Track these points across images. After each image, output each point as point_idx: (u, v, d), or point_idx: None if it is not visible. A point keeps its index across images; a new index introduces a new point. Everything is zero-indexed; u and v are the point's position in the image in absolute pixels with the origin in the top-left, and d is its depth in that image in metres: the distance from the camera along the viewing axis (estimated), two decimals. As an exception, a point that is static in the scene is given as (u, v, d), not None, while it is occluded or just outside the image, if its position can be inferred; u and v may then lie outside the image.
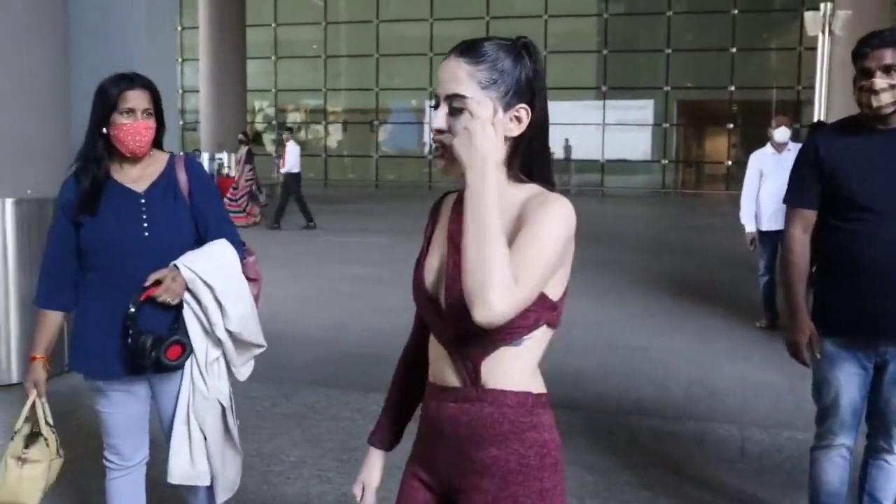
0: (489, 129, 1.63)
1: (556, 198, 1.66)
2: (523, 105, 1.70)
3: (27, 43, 5.88)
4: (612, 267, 10.91)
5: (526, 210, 1.67)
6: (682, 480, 4.20)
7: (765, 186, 7.26)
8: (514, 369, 1.72)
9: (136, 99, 2.88)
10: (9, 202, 5.80)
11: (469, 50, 1.69)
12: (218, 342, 2.95)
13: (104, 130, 2.87)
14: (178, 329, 2.88)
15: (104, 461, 3.07)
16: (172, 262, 2.85)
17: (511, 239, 1.61)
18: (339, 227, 16.05)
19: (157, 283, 2.79)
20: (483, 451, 1.75)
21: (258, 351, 3.09)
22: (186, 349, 2.87)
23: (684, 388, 5.74)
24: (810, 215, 3.14)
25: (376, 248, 12.61)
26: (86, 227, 2.87)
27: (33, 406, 2.96)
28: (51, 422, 2.99)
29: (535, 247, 1.60)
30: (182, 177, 3.02)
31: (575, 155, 26.87)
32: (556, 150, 26.68)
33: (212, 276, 2.89)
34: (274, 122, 29.38)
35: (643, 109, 27.00)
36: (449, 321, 1.73)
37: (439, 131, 1.71)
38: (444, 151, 1.71)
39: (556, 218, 1.64)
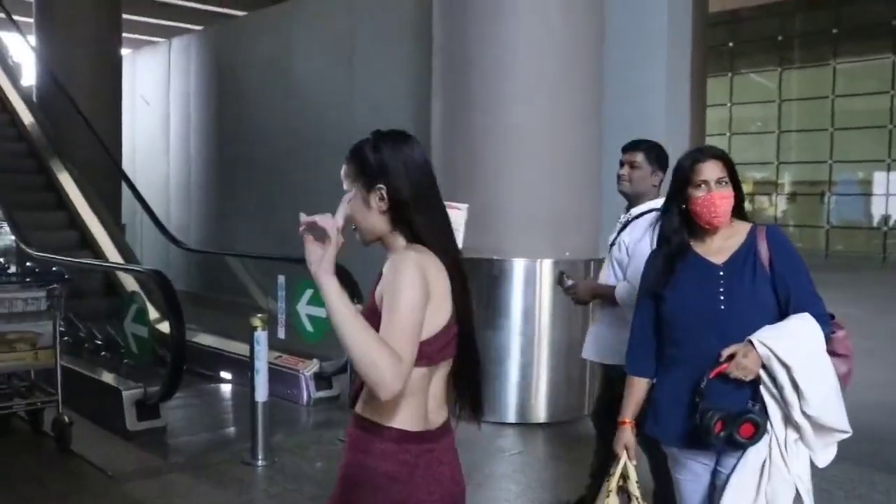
0: (308, 245, 1.81)
1: (398, 260, 1.87)
2: (380, 185, 1.91)
3: (569, 127, 6.05)
4: None
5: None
6: None
7: None
8: (372, 398, 1.87)
9: (709, 170, 2.62)
10: (547, 262, 5.94)
11: (349, 152, 1.98)
12: (796, 424, 2.54)
13: (682, 205, 2.67)
14: (753, 406, 2.53)
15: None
16: (748, 338, 2.52)
17: None
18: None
19: (731, 357, 2.49)
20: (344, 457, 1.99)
21: (841, 436, 2.58)
22: (759, 428, 2.50)
23: None
24: None
25: (847, 319, 11.35)
26: (666, 300, 2.67)
27: (624, 466, 2.80)
28: (638, 481, 2.80)
29: (397, 316, 1.77)
30: (763, 248, 2.66)
31: None
32: None
33: (790, 354, 2.47)
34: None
35: None
36: None
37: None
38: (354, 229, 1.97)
39: (401, 282, 1.81)
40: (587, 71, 6.20)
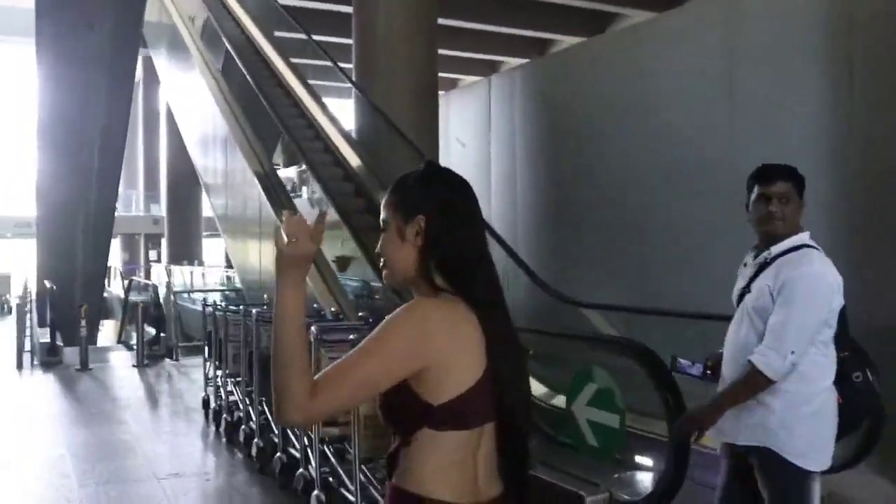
0: (277, 254, 1.64)
1: (403, 309, 1.68)
2: (420, 216, 1.73)
3: None
4: None
5: None
6: None
7: None
8: (409, 468, 1.72)
9: None
10: None
11: (392, 183, 1.81)
12: None
13: None
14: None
15: None
16: None
17: None
18: None
19: None
20: None
21: None
22: None
23: None
24: None
25: None
26: None
27: None
28: None
29: (353, 358, 1.63)
30: None
31: None
32: None
33: None
34: None
35: None
36: None
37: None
38: (383, 265, 1.79)
39: (387, 329, 1.65)
40: None
